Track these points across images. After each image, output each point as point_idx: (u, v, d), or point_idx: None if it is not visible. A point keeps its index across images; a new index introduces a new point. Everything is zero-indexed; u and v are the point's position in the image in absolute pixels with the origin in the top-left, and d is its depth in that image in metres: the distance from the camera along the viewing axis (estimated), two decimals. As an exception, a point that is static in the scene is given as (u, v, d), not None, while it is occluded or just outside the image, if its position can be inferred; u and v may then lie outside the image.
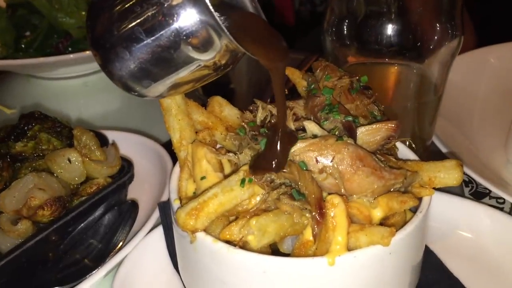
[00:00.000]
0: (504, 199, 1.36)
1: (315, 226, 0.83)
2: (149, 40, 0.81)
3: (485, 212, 1.21)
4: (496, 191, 1.29)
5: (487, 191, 1.40)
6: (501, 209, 1.29)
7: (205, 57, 0.83)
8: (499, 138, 1.56)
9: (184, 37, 0.80)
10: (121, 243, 1.19)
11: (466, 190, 1.41)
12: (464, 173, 1.29)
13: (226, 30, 0.78)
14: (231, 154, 0.96)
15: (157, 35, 0.81)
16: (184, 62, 0.84)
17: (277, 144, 0.88)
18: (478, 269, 1.13)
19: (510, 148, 1.49)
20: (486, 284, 1.09)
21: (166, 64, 0.84)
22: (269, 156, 0.88)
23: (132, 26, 0.81)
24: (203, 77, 0.90)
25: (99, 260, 1.15)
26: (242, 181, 0.88)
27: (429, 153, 1.42)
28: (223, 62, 0.86)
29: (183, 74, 0.86)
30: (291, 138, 0.89)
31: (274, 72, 0.89)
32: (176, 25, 0.79)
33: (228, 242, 0.86)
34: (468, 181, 1.43)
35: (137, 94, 0.91)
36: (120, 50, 0.83)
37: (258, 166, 0.89)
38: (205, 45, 0.82)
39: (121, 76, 0.87)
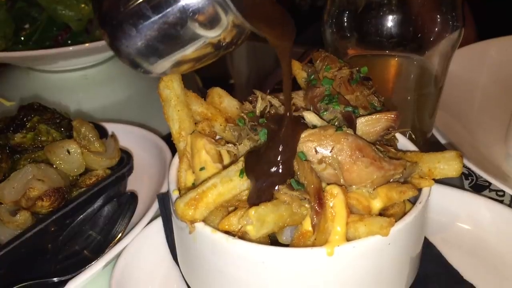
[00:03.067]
0: (504, 191, 1.36)
1: (314, 216, 0.83)
2: (156, 17, 0.81)
3: (485, 204, 1.21)
4: (496, 183, 1.28)
5: (487, 184, 1.39)
6: (501, 202, 1.29)
7: (212, 34, 0.84)
8: (499, 131, 1.55)
9: (191, 14, 0.80)
10: (120, 235, 1.19)
11: (466, 183, 1.41)
12: (464, 166, 1.29)
13: (232, 6, 0.78)
14: (230, 145, 0.96)
15: (163, 12, 0.81)
16: (190, 39, 0.84)
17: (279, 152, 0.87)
18: (477, 261, 1.13)
19: (510, 141, 1.48)
20: (485, 276, 1.09)
21: (173, 41, 0.84)
22: (271, 162, 0.87)
23: (139, 3, 0.81)
24: (209, 54, 0.90)
25: (98, 251, 1.15)
26: (241, 172, 0.88)
27: (428, 145, 1.41)
28: (229, 39, 0.86)
29: (190, 51, 0.86)
30: (297, 130, 0.88)
31: (280, 50, 0.89)
32: (182, 2, 0.79)
33: (227, 232, 0.86)
34: (468, 174, 1.43)
35: (143, 71, 0.91)
36: (127, 27, 0.83)
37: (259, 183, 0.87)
38: (211, 22, 0.82)
39: (128, 53, 0.87)
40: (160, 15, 0.81)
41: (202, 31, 0.82)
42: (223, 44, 0.87)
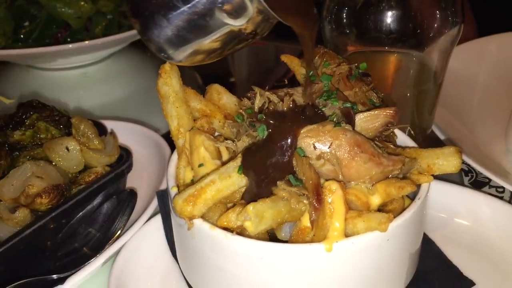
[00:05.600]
0: (503, 188, 1.35)
1: (313, 212, 0.83)
2: (185, 8, 0.85)
3: (484, 200, 1.21)
4: (496, 180, 1.28)
5: (487, 180, 1.39)
6: (501, 198, 1.29)
7: (238, 23, 0.87)
8: (499, 127, 1.55)
9: (220, 4, 0.84)
10: (119, 232, 1.19)
11: (466, 179, 1.41)
12: (464, 162, 1.29)
13: None
14: (229, 142, 0.96)
15: (193, 3, 0.84)
16: (218, 28, 0.87)
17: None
18: (477, 257, 1.13)
19: (510, 137, 1.48)
20: (485, 272, 1.09)
21: (201, 30, 0.88)
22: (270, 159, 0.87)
23: None
24: (234, 43, 0.93)
25: (97, 248, 1.15)
26: (240, 168, 0.87)
27: (428, 141, 1.41)
28: (254, 29, 0.89)
29: (216, 40, 0.90)
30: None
31: (303, 38, 0.93)
32: None
33: (226, 229, 0.86)
34: (467, 170, 1.43)
35: (166, 57, 0.95)
36: (159, 18, 0.87)
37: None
38: (238, 11, 0.85)
39: (157, 42, 0.91)
40: (189, 5, 0.85)
41: (228, 20, 0.86)
42: (248, 33, 0.90)
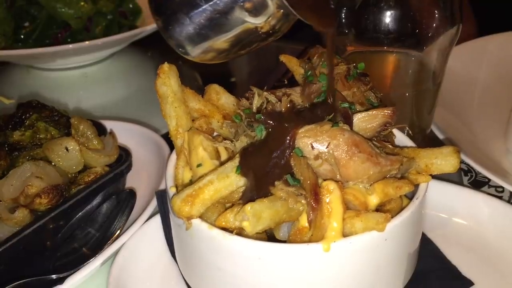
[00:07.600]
0: (503, 187, 1.35)
1: (311, 212, 0.83)
2: (207, 6, 0.87)
3: (483, 200, 1.21)
4: (495, 179, 1.28)
5: (486, 180, 1.39)
6: (500, 198, 1.29)
7: (258, 21, 0.88)
8: (499, 127, 1.55)
9: (241, 2, 0.85)
10: (118, 232, 1.19)
11: (465, 179, 1.41)
12: (464, 162, 1.29)
13: None
14: (227, 142, 0.96)
15: (215, 0, 0.86)
16: (238, 26, 0.89)
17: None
18: (476, 257, 1.13)
19: (510, 137, 1.48)
20: (484, 272, 1.09)
21: (221, 28, 0.90)
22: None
23: None
24: (254, 41, 0.94)
25: (96, 248, 1.15)
26: (238, 168, 0.87)
27: (427, 141, 1.41)
28: (273, 27, 0.90)
29: (236, 38, 0.91)
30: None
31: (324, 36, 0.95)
32: None
33: (224, 229, 0.86)
34: (467, 170, 1.43)
35: (184, 52, 0.97)
36: (181, 16, 0.89)
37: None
38: (259, 9, 0.86)
39: (178, 39, 0.93)
40: (211, 3, 0.86)
41: (249, 18, 0.87)
42: (264, 33, 0.91)
